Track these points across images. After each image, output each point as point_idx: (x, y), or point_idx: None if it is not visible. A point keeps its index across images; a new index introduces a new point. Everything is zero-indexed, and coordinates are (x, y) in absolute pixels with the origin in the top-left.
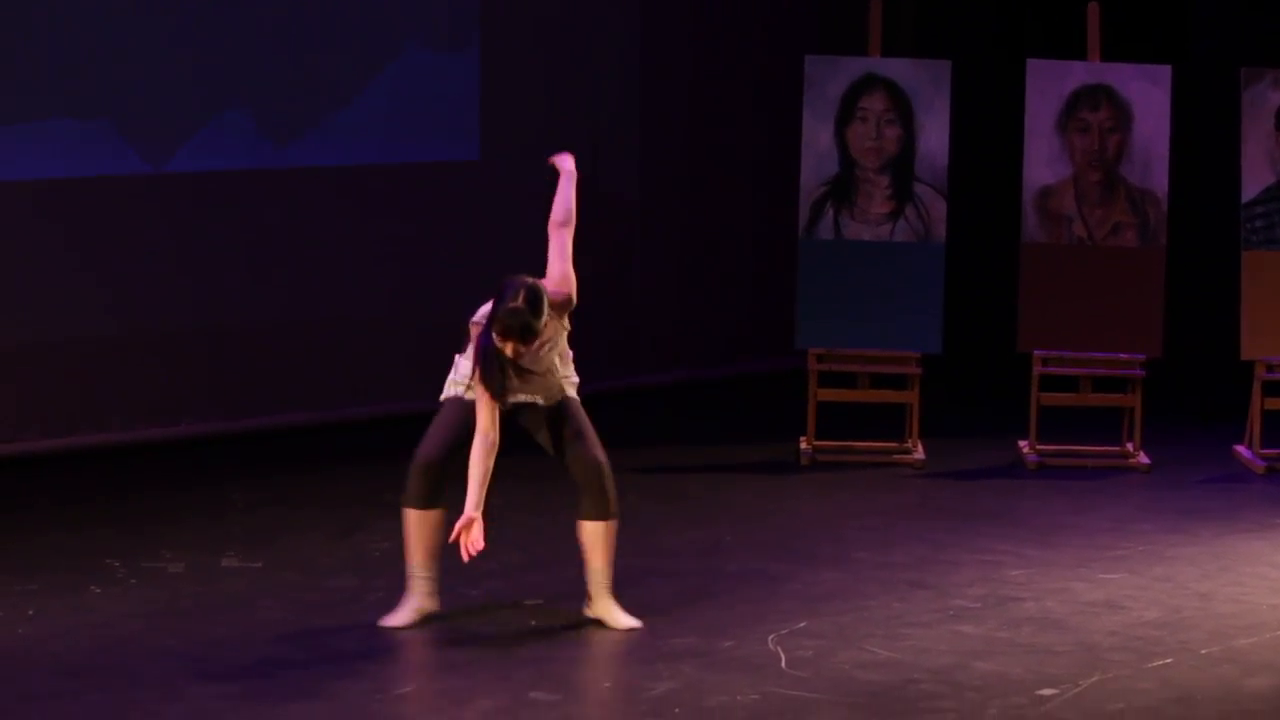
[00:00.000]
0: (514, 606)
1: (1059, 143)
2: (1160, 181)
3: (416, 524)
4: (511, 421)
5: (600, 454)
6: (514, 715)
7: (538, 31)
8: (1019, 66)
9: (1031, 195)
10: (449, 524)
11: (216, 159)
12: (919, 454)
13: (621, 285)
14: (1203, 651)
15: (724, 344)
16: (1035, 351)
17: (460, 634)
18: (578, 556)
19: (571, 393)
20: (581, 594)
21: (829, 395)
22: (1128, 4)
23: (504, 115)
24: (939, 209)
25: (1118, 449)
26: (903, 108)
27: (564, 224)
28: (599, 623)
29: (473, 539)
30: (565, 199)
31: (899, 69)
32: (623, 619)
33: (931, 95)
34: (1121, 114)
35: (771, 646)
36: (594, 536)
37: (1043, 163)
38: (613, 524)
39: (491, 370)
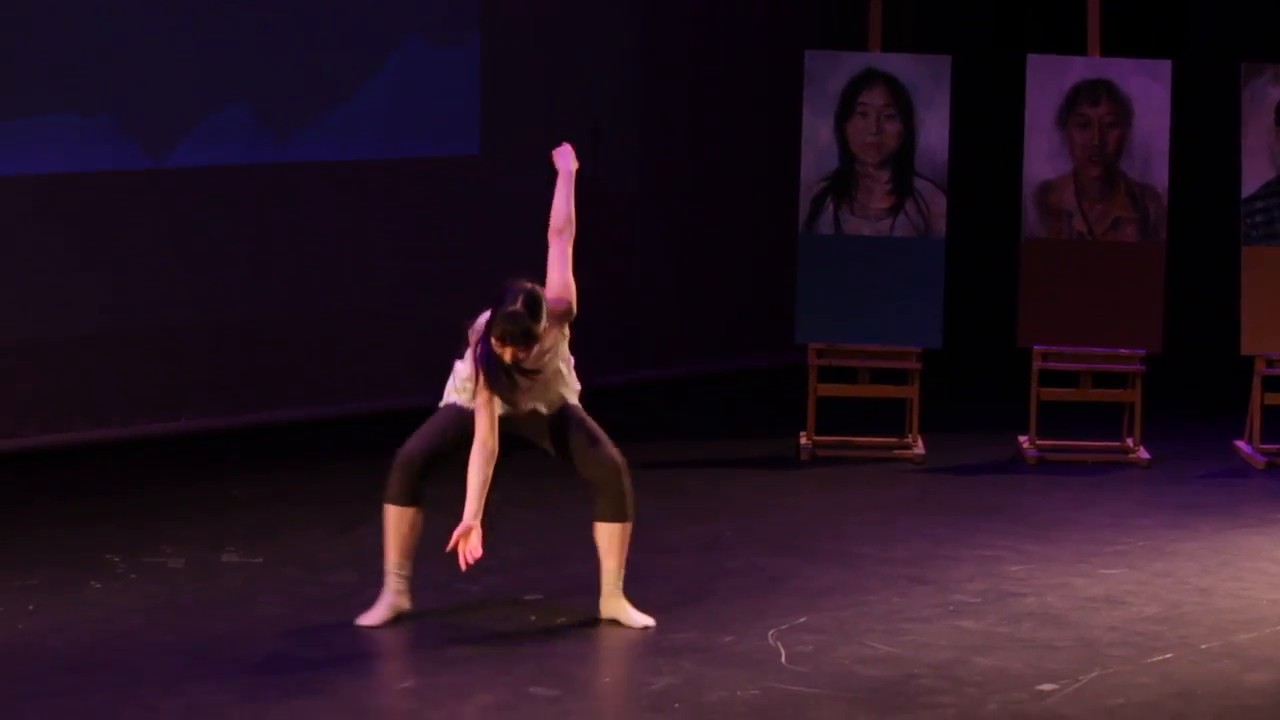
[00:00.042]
0: (514, 602)
1: (1059, 138)
2: (1160, 176)
3: (394, 520)
4: (511, 430)
5: (618, 455)
6: (514, 710)
7: (538, 26)
8: (1019, 61)
9: (1032, 190)
10: (426, 525)
11: (217, 154)
12: (919, 449)
13: (622, 281)
14: (1203, 646)
15: (724, 339)
16: (1035, 346)
17: (460, 629)
18: (577, 552)
19: (573, 399)
20: (581, 589)
21: (829, 390)
22: None
23: (504, 110)
24: (939, 204)
25: (1118, 444)
26: (903, 103)
27: (563, 231)
28: (612, 621)
29: (471, 547)
30: (564, 204)
31: (899, 64)
32: (637, 617)
33: (931, 90)
34: (1121, 109)
35: (771, 641)
36: (610, 538)
37: (1043, 158)
38: (628, 525)
39: (497, 375)
